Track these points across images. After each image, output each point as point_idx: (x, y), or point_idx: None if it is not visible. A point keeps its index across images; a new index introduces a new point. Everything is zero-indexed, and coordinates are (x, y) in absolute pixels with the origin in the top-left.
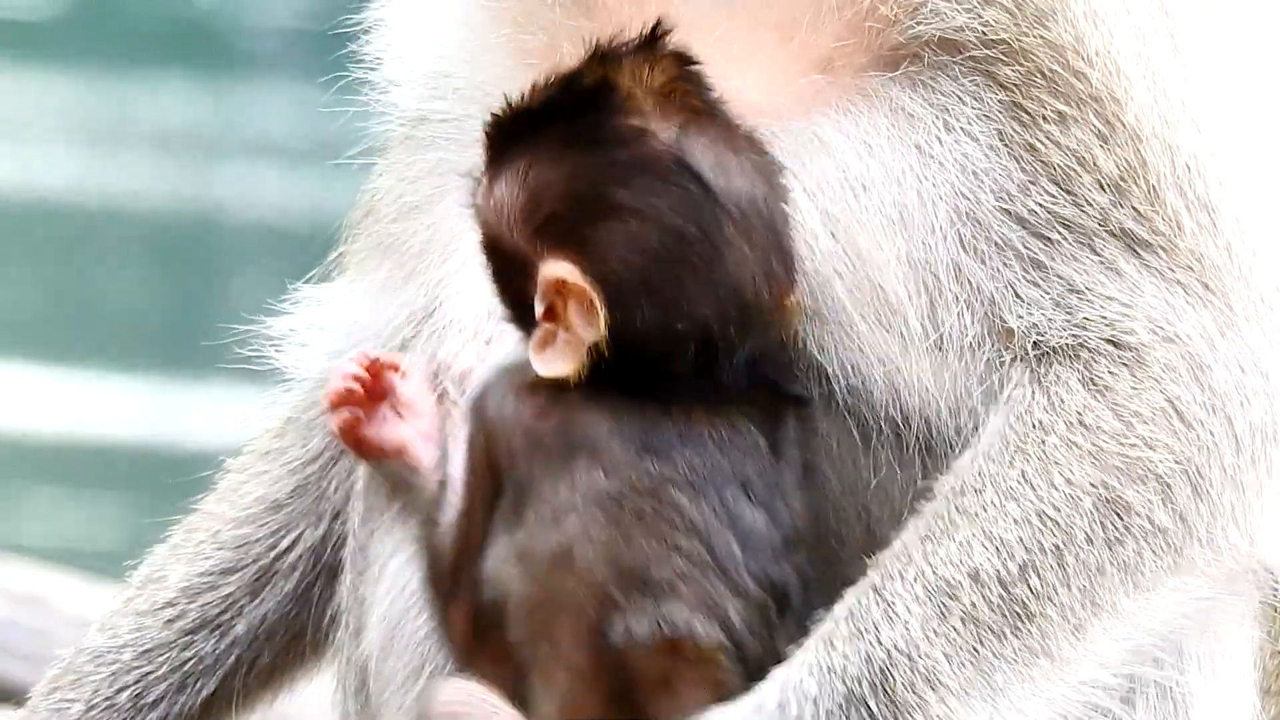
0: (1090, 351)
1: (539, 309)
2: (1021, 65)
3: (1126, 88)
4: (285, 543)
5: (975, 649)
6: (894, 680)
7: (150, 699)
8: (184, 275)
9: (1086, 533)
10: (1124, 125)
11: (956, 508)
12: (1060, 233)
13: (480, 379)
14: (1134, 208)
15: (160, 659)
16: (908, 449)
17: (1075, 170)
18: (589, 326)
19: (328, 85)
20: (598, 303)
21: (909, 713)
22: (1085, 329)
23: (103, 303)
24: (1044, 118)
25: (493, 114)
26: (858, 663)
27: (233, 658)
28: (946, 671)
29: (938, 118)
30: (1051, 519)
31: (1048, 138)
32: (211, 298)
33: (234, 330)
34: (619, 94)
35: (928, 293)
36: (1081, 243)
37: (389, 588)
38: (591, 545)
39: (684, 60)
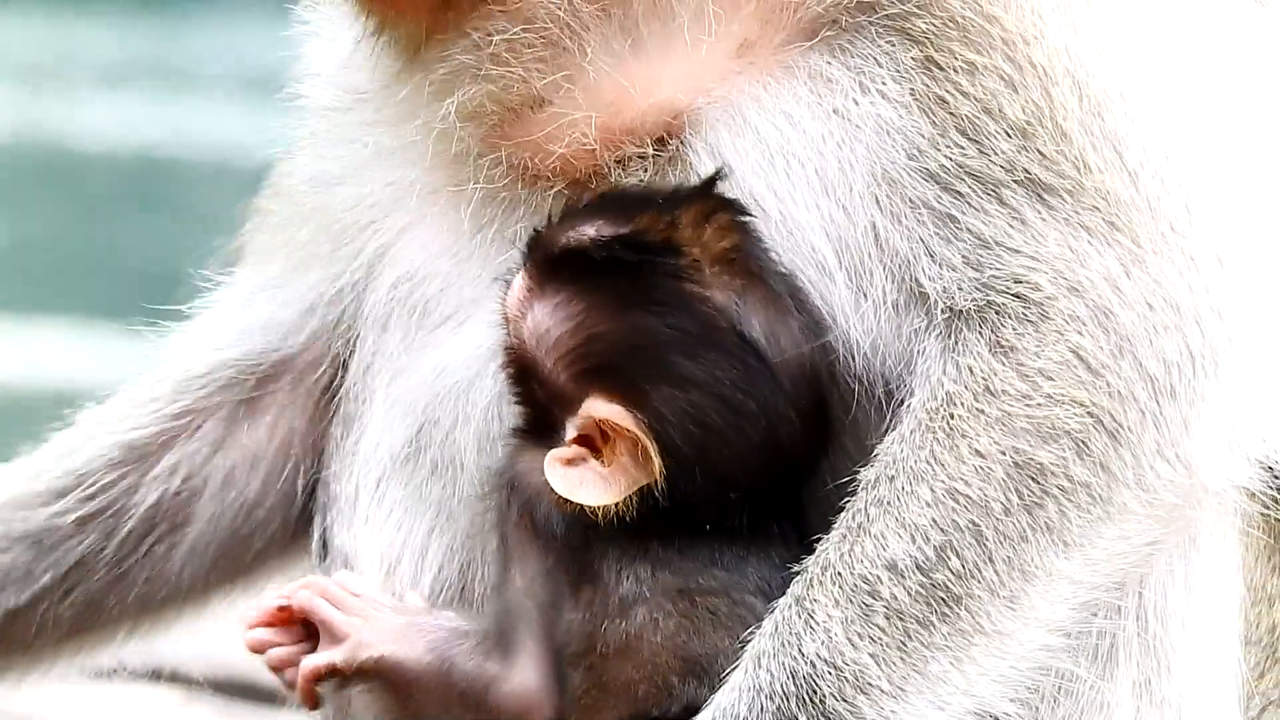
0: (997, 312)
1: (571, 433)
2: (936, 16)
3: (1040, 27)
4: (137, 495)
5: (903, 643)
6: (821, 692)
7: None
8: (139, 216)
9: (1003, 503)
10: (1033, 66)
11: (872, 500)
12: (969, 184)
13: (503, 458)
14: (1039, 151)
15: None
16: (880, 410)
17: (982, 119)
18: (639, 470)
19: (284, 17)
20: (652, 451)
21: None
22: (993, 287)
23: (54, 247)
24: (954, 69)
25: (541, 232)
26: (783, 679)
27: (46, 578)
28: (875, 673)
29: (854, 80)
30: (964, 495)
31: (956, 89)
32: (166, 239)
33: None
34: (683, 259)
35: (852, 257)
36: (989, 193)
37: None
38: (658, 635)
39: (739, 218)
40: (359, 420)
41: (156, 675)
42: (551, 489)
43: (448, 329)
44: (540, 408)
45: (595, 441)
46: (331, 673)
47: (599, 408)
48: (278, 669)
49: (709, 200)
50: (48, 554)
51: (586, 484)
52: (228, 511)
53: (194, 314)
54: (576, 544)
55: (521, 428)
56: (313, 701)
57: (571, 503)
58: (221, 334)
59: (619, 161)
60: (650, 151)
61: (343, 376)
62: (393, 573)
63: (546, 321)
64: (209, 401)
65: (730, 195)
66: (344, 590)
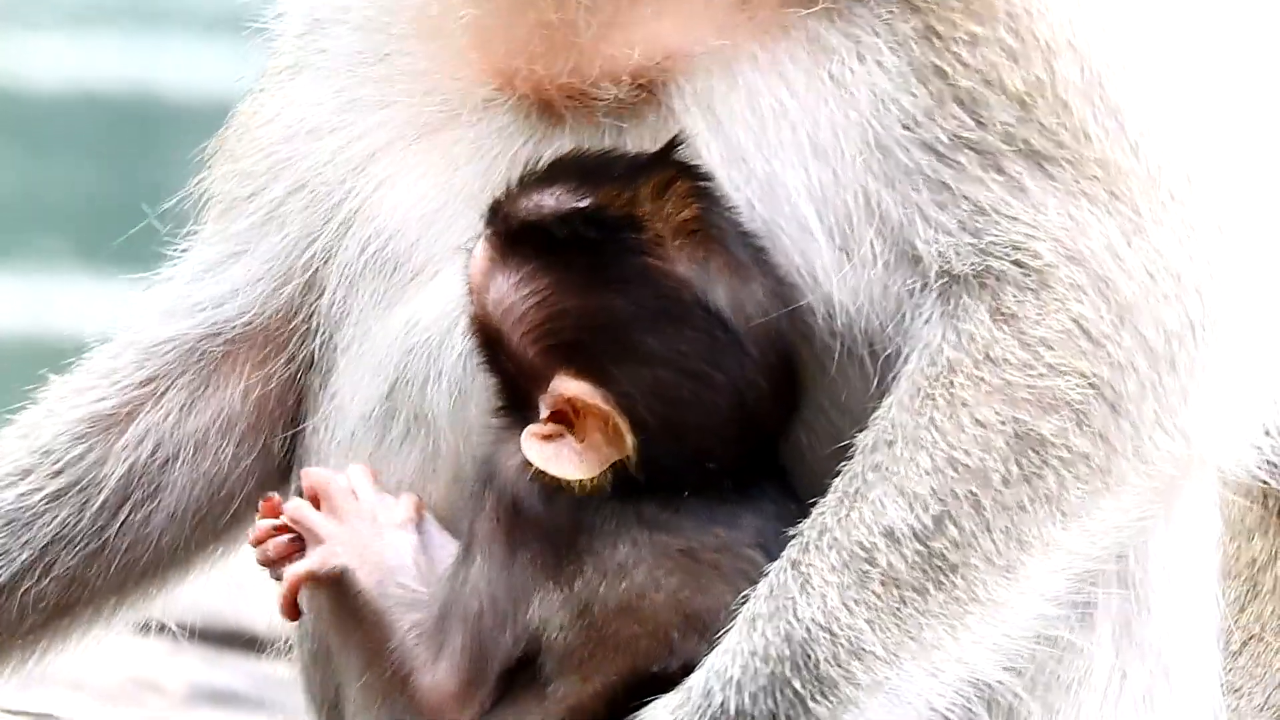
0: (997, 278)
1: (544, 410)
2: None
3: (1044, 1)
4: (105, 469)
5: (898, 610)
6: (816, 656)
7: None
8: (124, 158)
9: (1002, 473)
10: (1036, 39)
11: (870, 465)
12: (966, 155)
13: (485, 449)
14: (1040, 122)
15: None
16: (862, 367)
17: (981, 90)
18: (610, 446)
19: None
20: (623, 428)
21: (834, 687)
22: (991, 254)
23: (39, 190)
24: (955, 40)
25: (501, 202)
26: (778, 642)
27: (24, 555)
28: (870, 639)
29: (851, 48)
30: (963, 464)
31: (956, 59)
32: (151, 181)
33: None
34: (645, 234)
35: (838, 217)
36: (988, 163)
37: None
38: (660, 592)
39: (699, 184)
40: (333, 378)
41: (144, 627)
42: (529, 465)
43: (419, 283)
44: (510, 379)
45: (569, 417)
46: (311, 579)
47: (568, 385)
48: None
49: (668, 168)
50: (22, 532)
51: (562, 459)
52: (203, 476)
53: (156, 277)
54: (562, 522)
55: (500, 405)
56: (293, 613)
57: (551, 477)
58: (186, 298)
59: (604, 103)
60: (639, 96)
61: (316, 334)
62: None
63: (510, 296)
64: (174, 368)
65: (689, 160)
66: (345, 488)
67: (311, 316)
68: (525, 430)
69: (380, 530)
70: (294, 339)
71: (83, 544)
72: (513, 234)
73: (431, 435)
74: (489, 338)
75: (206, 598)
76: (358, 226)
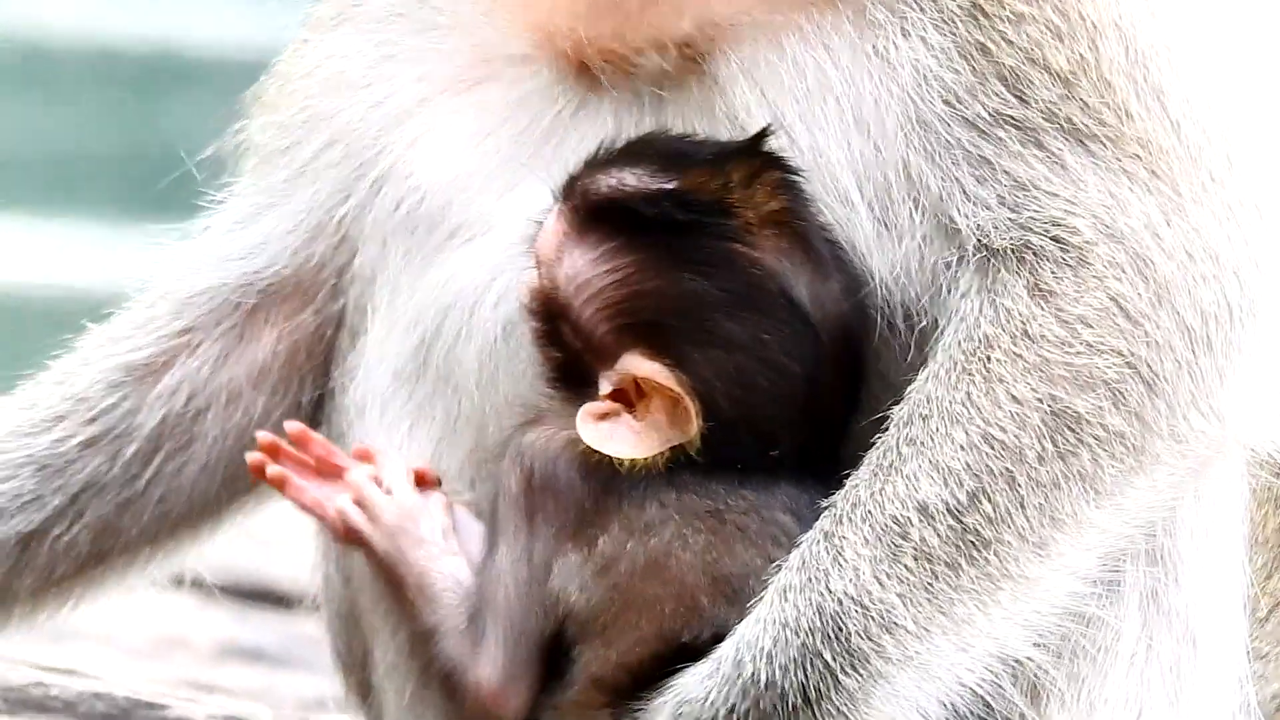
0: (1035, 254)
1: (605, 388)
2: None
3: None
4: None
5: (930, 585)
6: (847, 629)
7: None
8: (139, 111)
9: (1037, 450)
10: (1083, 19)
11: (904, 438)
12: (1007, 131)
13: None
14: (1082, 100)
15: None
16: (898, 338)
17: (1025, 68)
18: (673, 428)
19: None
20: (693, 412)
21: (864, 660)
22: (1030, 229)
23: (57, 142)
24: (1001, 18)
25: (577, 177)
26: (809, 614)
27: (57, 501)
28: (901, 613)
29: (896, 24)
30: (999, 441)
31: (1001, 37)
32: (177, 134)
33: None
34: (735, 220)
35: (878, 190)
36: (1029, 139)
37: None
38: (687, 551)
39: (788, 177)
40: (364, 335)
41: (176, 582)
42: (576, 441)
43: (453, 245)
44: (570, 354)
45: (629, 396)
46: (357, 539)
47: (640, 365)
48: (280, 483)
49: (758, 157)
50: (54, 478)
51: (618, 438)
52: (234, 428)
53: (192, 228)
54: (593, 491)
55: (552, 379)
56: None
57: (600, 454)
58: (221, 249)
59: (645, 70)
60: (682, 65)
61: (346, 291)
62: None
63: (586, 271)
64: (210, 318)
65: (777, 151)
66: (406, 479)
67: (342, 273)
68: (582, 408)
69: (424, 539)
70: (324, 294)
71: (115, 492)
72: (592, 210)
73: (457, 396)
74: (554, 311)
75: (235, 555)
76: (391, 184)
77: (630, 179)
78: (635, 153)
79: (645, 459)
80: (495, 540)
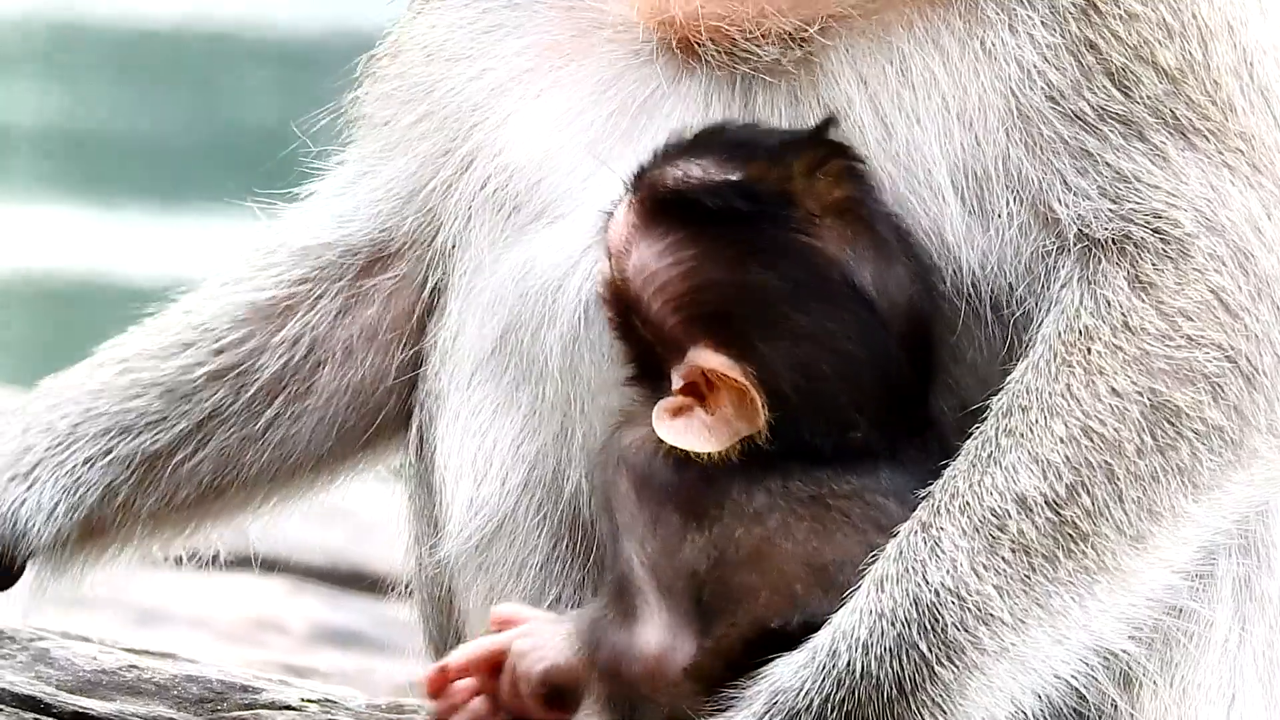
0: (1136, 246)
1: (677, 381)
2: None
3: None
4: (263, 358)
5: (1027, 577)
6: (944, 620)
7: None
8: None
9: (1136, 444)
10: (1195, 19)
11: (1003, 430)
12: (1111, 125)
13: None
14: (1188, 97)
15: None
16: (987, 326)
17: (1133, 65)
18: (741, 420)
19: None
20: (760, 403)
21: (960, 651)
22: (1131, 220)
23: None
24: (1113, 16)
25: (646, 169)
26: (906, 605)
27: (182, 424)
28: (998, 605)
29: (1005, 20)
30: (1098, 433)
31: (1112, 34)
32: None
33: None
34: (798, 211)
35: (976, 182)
36: (1131, 133)
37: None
38: (789, 541)
39: (851, 165)
40: (450, 317)
41: (268, 566)
42: (657, 439)
43: (538, 226)
44: (644, 347)
45: (700, 389)
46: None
47: (707, 357)
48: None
49: (821, 147)
50: (180, 403)
51: (692, 433)
52: (349, 385)
53: (304, 190)
54: (696, 484)
55: (631, 374)
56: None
57: (679, 450)
58: (333, 209)
59: (752, 51)
60: (788, 49)
61: (437, 269)
62: (484, 474)
63: (654, 263)
64: (326, 274)
65: (841, 140)
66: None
67: (436, 248)
68: (658, 405)
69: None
70: (420, 270)
71: (239, 427)
72: (659, 201)
73: (541, 383)
74: (625, 304)
75: (329, 539)
76: (480, 161)
77: (696, 170)
78: (703, 144)
79: (719, 451)
80: (616, 538)
